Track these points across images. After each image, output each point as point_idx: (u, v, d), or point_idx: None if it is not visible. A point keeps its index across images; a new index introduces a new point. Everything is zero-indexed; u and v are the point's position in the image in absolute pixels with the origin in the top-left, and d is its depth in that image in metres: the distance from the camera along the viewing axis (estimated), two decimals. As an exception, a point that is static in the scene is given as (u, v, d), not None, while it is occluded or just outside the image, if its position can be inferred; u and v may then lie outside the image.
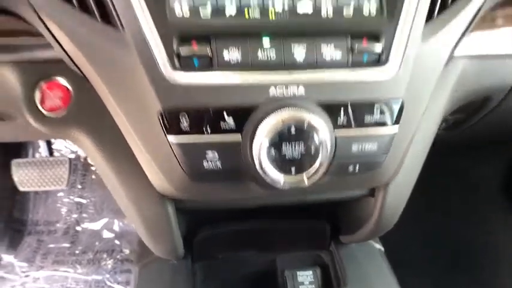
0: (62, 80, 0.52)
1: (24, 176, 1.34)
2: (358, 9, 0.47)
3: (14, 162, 1.34)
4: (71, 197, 1.51)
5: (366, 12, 0.47)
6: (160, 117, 0.45)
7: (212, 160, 0.46)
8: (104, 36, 0.46)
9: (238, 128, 0.46)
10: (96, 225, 1.47)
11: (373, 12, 0.47)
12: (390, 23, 0.47)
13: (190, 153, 0.46)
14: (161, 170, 0.49)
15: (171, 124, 0.45)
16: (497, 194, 1.26)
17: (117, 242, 1.43)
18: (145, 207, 0.56)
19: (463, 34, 0.53)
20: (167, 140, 0.46)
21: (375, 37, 0.47)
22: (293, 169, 0.45)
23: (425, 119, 0.55)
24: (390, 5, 0.47)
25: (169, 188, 0.51)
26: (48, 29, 0.47)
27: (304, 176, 0.47)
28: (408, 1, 0.47)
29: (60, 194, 1.50)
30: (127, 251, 1.40)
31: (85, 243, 1.43)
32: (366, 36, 0.47)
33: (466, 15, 0.52)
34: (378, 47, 0.47)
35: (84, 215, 1.50)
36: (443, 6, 0.51)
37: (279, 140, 0.44)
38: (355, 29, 0.47)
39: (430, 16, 0.50)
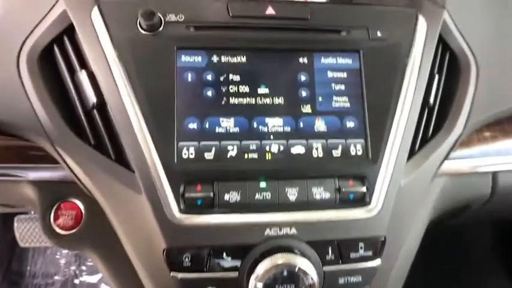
0: (76, 201, 0.56)
1: (26, 232, 1.36)
2: (345, 152, 0.51)
3: (17, 218, 1.36)
4: (70, 249, 1.53)
5: (352, 153, 0.51)
6: (164, 256, 0.48)
7: None
8: (117, 176, 0.49)
9: (236, 266, 0.49)
10: (93, 278, 1.47)
11: (359, 154, 0.51)
12: (374, 166, 0.51)
13: None
14: None
15: (174, 262, 0.48)
16: (490, 254, 1.29)
17: (113, 296, 1.45)
18: None
19: (443, 161, 0.57)
20: (170, 274, 0.49)
21: (360, 178, 0.51)
22: None
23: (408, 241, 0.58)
24: (374, 148, 0.51)
25: None
26: (63, 159, 0.51)
27: None
28: (391, 145, 0.51)
29: (60, 245, 1.52)
30: (123, 306, 1.41)
31: (83, 297, 1.45)
32: (352, 178, 0.51)
33: (445, 147, 0.55)
34: (362, 188, 0.51)
35: (83, 267, 1.50)
36: (424, 140, 0.55)
37: (272, 281, 0.47)
38: (343, 171, 0.51)
39: (411, 152, 0.53)
